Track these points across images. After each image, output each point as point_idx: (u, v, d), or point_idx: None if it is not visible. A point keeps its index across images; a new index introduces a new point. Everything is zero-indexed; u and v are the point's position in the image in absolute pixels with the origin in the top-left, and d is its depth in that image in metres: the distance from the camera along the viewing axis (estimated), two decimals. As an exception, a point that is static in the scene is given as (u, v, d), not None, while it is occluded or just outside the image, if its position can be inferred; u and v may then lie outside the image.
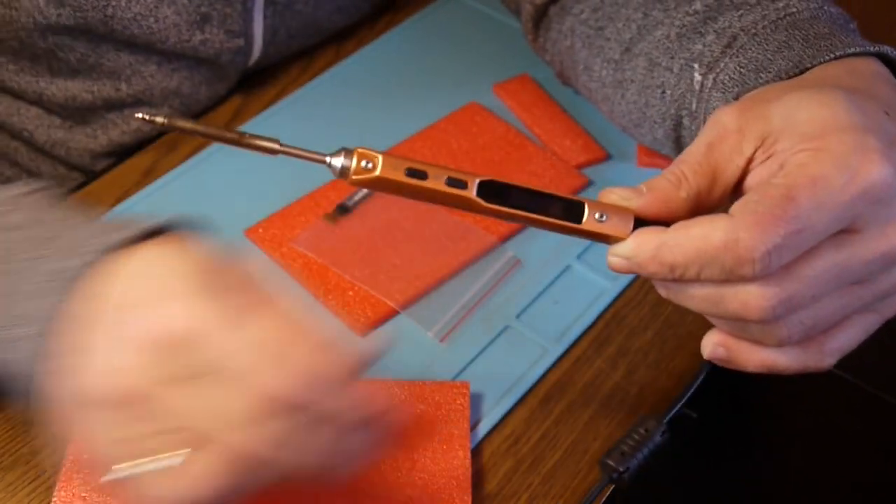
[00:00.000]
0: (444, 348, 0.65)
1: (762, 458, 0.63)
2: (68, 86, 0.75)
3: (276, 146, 0.46)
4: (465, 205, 0.47)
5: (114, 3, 0.69)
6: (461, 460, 0.58)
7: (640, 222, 0.48)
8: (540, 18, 0.77)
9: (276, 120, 0.80)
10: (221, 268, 0.46)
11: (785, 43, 0.58)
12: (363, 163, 0.46)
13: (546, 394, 0.64)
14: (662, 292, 0.49)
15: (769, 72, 0.57)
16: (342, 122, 0.80)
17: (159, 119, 0.46)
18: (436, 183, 0.46)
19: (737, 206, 0.46)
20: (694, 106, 0.63)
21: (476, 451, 0.60)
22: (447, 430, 0.60)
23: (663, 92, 0.65)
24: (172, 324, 0.44)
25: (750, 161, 0.49)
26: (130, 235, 0.47)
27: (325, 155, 0.46)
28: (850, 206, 0.45)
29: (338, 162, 0.46)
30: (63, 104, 0.75)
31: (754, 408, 0.66)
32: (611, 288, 0.69)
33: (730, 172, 0.49)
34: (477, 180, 0.47)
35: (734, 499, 0.61)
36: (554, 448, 0.61)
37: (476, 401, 0.62)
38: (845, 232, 0.46)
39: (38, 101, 0.76)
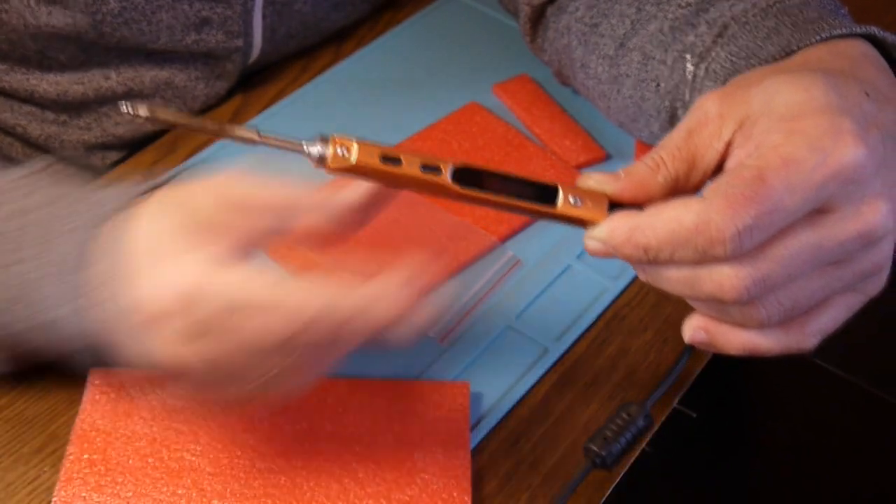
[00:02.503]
0: (444, 348, 0.65)
1: (762, 458, 0.63)
2: (59, 80, 0.75)
3: (255, 136, 0.47)
4: (440, 190, 0.47)
5: (104, 10, 0.69)
6: (461, 460, 0.58)
7: (619, 207, 0.49)
8: (538, 19, 0.77)
9: (276, 120, 0.80)
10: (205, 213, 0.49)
11: (774, 29, 0.58)
12: (339, 150, 0.46)
13: (546, 394, 0.64)
14: (641, 276, 0.49)
15: (759, 58, 0.58)
16: (342, 123, 0.80)
17: (142, 111, 0.46)
18: (410, 169, 0.46)
19: (710, 189, 0.46)
20: (687, 97, 0.63)
21: (476, 451, 0.60)
22: (447, 429, 0.60)
23: (658, 85, 0.65)
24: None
25: (729, 145, 0.49)
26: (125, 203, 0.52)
27: (303, 143, 0.46)
28: (822, 187, 0.46)
29: (315, 150, 0.46)
30: (55, 99, 0.75)
31: (754, 407, 0.66)
32: (611, 288, 0.69)
33: (709, 157, 0.49)
34: (451, 166, 0.47)
35: (734, 498, 0.61)
36: (554, 448, 0.61)
37: (476, 401, 0.62)
38: (820, 212, 0.47)
39: (29, 99, 0.76)
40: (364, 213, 0.50)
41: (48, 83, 0.75)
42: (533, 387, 0.64)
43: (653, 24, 0.66)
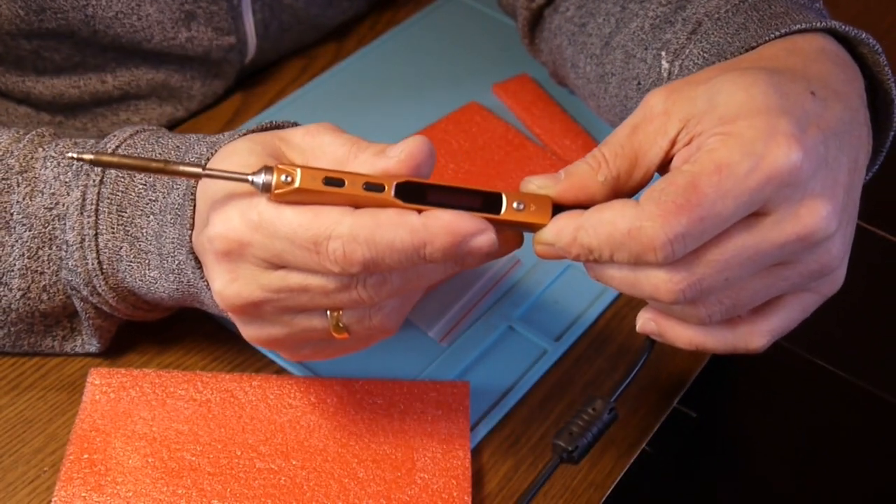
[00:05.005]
0: (444, 348, 0.65)
1: (762, 458, 0.63)
2: (54, 83, 0.74)
3: (200, 170, 0.47)
4: (386, 206, 0.48)
5: (94, 3, 0.69)
6: (461, 460, 0.58)
7: (563, 209, 0.49)
8: (535, 22, 0.78)
9: (275, 119, 0.79)
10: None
11: (742, 25, 0.58)
12: (283, 177, 0.46)
13: (546, 394, 0.64)
14: (590, 273, 0.50)
15: (728, 55, 0.58)
16: (342, 122, 0.79)
17: (87, 156, 0.47)
18: (353, 189, 0.47)
19: (645, 194, 0.47)
20: None
21: (476, 451, 0.60)
22: (447, 430, 0.60)
23: (639, 83, 0.65)
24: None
25: (674, 143, 0.49)
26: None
27: (248, 174, 0.47)
28: (756, 192, 0.45)
29: (260, 179, 0.47)
30: (51, 101, 0.75)
31: (754, 407, 0.66)
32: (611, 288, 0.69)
33: (653, 154, 0.49)
34: (395, 182, 0.47)
35: (734, 498, 0.61)
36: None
37: (476, 401, 0.62)
38: (757, 215, 0.47)
39: (25, 100, 0.76)
40: (412, 166, 0.49)
41: (44, 85, 0.75)
42: (533, 387, 0.64)
43: (635, 22, 0.66)
